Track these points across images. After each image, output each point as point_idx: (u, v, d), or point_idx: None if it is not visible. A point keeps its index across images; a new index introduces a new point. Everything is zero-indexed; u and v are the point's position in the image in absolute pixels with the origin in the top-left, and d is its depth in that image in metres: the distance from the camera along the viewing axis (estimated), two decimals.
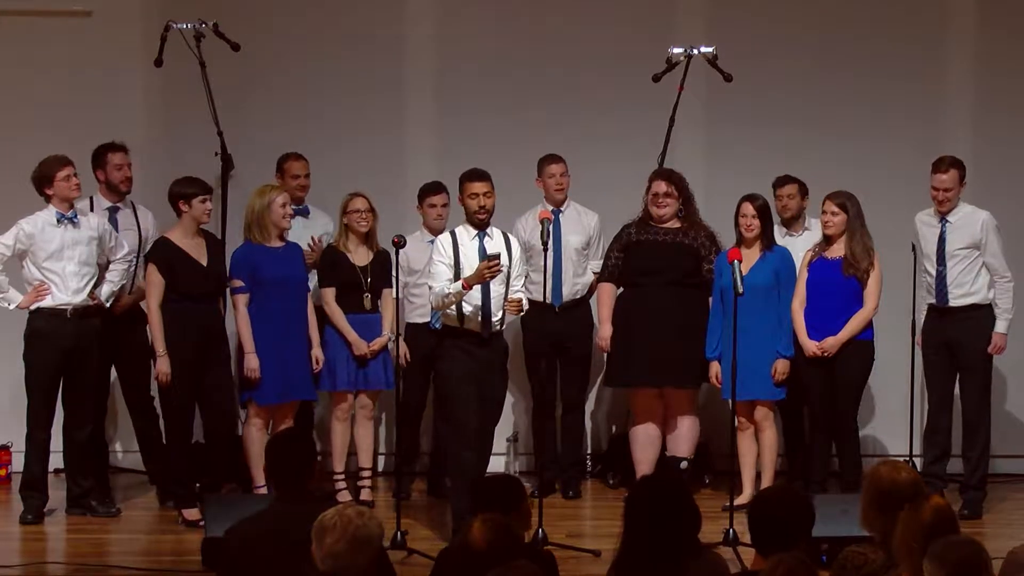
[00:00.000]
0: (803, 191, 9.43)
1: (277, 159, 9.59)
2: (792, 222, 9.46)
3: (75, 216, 8.69)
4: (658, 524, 5.18)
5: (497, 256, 8.05)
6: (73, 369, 8.69)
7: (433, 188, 9.35)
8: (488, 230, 8.29)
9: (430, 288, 8.19)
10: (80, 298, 8.68)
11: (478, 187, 8.21)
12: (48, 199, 8.67)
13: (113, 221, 9.06)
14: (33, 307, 8.65)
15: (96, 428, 9.13)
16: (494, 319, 8.23)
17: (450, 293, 8.06)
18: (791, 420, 9.44)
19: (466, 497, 7.55)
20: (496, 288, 8.17)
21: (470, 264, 8.15)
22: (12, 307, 8.69)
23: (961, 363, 9.01)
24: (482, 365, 8.22)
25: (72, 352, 8.67)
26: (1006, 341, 9.01)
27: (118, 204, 9.15)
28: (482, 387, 8.21)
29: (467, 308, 8.13)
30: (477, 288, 8.09)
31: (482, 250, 8.19)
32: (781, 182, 9.45)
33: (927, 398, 9.24)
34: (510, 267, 8.25)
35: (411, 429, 9.54)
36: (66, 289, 8.65)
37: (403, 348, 9.19)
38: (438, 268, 8.16)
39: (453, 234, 8.26)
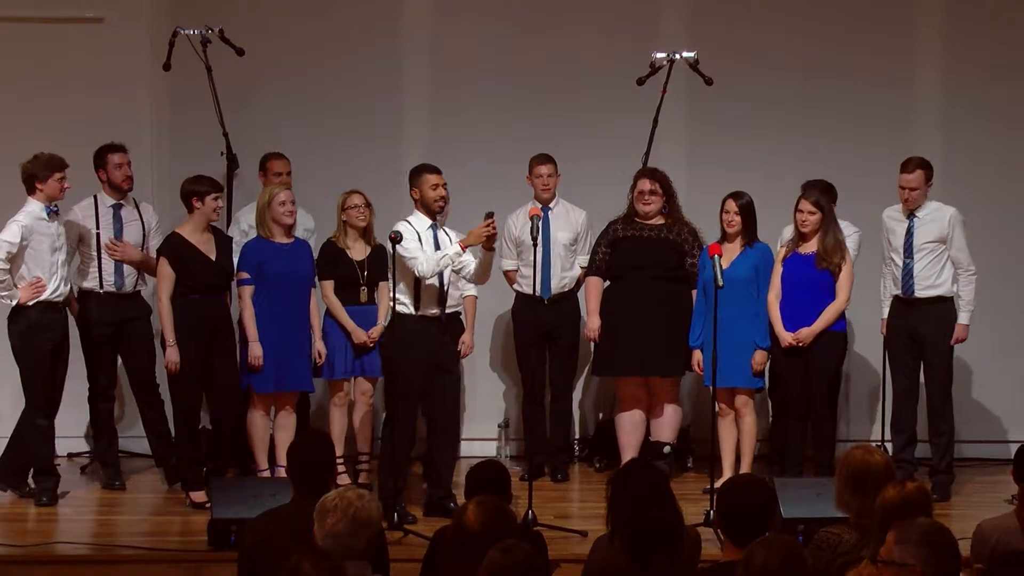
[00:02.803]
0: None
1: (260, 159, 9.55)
2: None
3: (57, 210, 8.68)
4: (650, 508, 5.21)
5: (492, 214, 8.08)
6: (60, 358, 8.70)
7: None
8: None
9: (415, 259, 8.11)
10: (67, 288, 8.71)
11: (438, 179, 8.30)
12: (33, 192, 8.64)
13: (117, 217, 9.03)
14: (31, 302, 8.60)
15: (110, 411, 9.22)
16: (451, 302, 8.34)
17: (447, 255, 8.10)
18: (780, 408, 9.40)
19: (393, 476, 8.09)
20: (447, 273, 8.25)
21: (428, 246, 8.20)
22: (14, 302, 8.62)
23: (925, 354, 9.01)
24: (442, 350, 8.29)
25: (61, 342, 8.69)
26: (967, 332, 9.00)
27: (121, 201, 9.10)
28: (441, 372, 8.27)
29: (425, 298, 8.18)
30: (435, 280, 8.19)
31: (436, 240, 8.25)
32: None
33: (892, 387, 9.21)
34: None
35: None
36: (59, 281, 8.64)
37: None
38: (414, 245, 8.17)
39: (409, 223, 8.27)
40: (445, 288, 8.32)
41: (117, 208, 9.06)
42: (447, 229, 8.46)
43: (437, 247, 8.22)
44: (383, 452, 8.40)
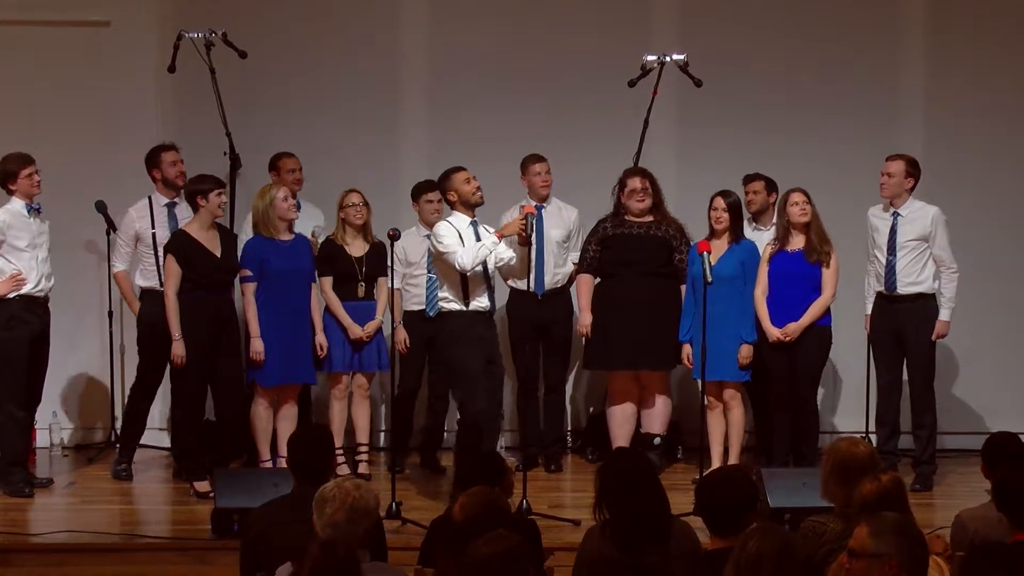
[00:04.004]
0: (770, 187, 9.42)
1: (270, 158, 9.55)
2: (760, 216, 9.46)
3: (40, 208, 8.65)
4: (636, 495, 5.20)
5: (530, 215, 8.08)
6: (39, 352, 8.68)
7: (429, 186, 9.33)
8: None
9: (454, 253, 8.05)
10: (50, 285, 8.68)
11: (467, 174, 8.25)
12: (10, 193, 8.62)
13: (172, 216, 9.04)
14: (12, 295, 8.56)
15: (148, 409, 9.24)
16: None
17: (484, 245, 8.04)
18: (760, 401, 9.39)
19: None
20: (491, 264, 8.18)
21: (469, 244, 8.12)
22: None
23: (908, 349, 9.00)
24: (492, 345, 8.20)
25: (40, 335, 8.66)
26: (948, 328, 8.99)
27: (175, 199, 9.09)
28: (492, 365, 8.18)
29: (475, 292, 8.08)
30: (480, 272, 8.10)
31: (477, 236, 8.15)
32: (750, 179, 9.48)
33: (876, 381, 9.22)
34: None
35: (407, 408, 9.51)
36: (39, 276, 8.62)
37: (403, 335, 9.21)
38: (454, 241, 8.09)
39: (450, 223, 8.21)
40: (492, 280, 8.25)
41: (171, 206, 9.07)
42: (486, 226, 8.39)
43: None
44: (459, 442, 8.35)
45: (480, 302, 8.18)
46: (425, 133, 10.26)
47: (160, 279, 8.91)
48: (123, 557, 7.58)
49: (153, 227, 9.01)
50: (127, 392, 9.55)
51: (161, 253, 8.88)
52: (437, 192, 9.24)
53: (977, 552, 4.65)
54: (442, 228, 8.17)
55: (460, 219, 8.23)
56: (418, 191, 9.38)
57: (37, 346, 8.67)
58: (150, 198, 9.09)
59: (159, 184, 9.10)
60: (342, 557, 4.64)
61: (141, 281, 9.06)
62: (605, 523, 5.38)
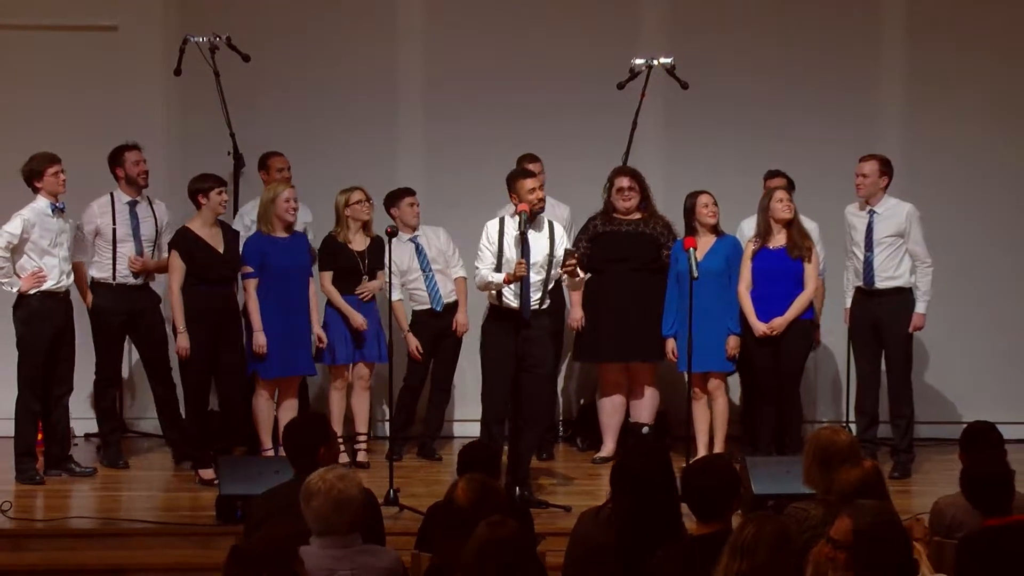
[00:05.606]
0: (790, 185, 9.30)
1: (259, 157, 9.54)
2: None
3: (64, 207, 8.64)
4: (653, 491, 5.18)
5: (573, 252, 8.02)
6: (63, 343, 8.66)
7: (408, 191, 9.38)
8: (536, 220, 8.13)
9: (477, 268, 8.09)
10: (69, 281, 8.68)
11: (534, 182, 8.11)
12: (36, 191, 8.61)
13: (133, 214, 8.99)
14: (33, 291, 8.55)
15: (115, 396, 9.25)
16: (532, 300, 7.99)
17: (492, 282, 7.99)
18: (747, 392, 9.38)
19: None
20: (534, 275, 7.99)
21: (510, 248, 8.01)
22: (15, 290, 8.57)
23: (886, 341, 9.00)
24: (524, 342, 7.96)
25: (63, 328, 8.64)
26: (925, 320, 9.00)
27: (136, 199, 9.05)
28: (525, 361, 7.98)
29: (507, 294, 8.01)
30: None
31: (524, 237, 7.94)
32: (771, 175, 9.41)
33: (856, 372, 9.22)
34: (551, 254, 8.08)
35: (412, 400, 9.53)
36: (60, 273, 8.61)
37: (414, 342, 9.31)
38: (484, 253, 8.06)
39: (501, 221, 8.12)
40: (528, 290, 7.98)
41: (132, 205, 9.02)
42: (553, 223, 8.22)
43: (524, 244, 7.94)
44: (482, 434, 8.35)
45: (512, 301, 7.98)
46: (421, 134, 10.26)
47: (114, 274, 8.90)
48: (130, 542, 7.57)
49: (114, 223, 8.96)
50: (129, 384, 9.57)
51: (121, 250, 8.87)
52: (415, 197, 9.34)
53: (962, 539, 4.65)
54: (487, 231, 8.09)
55: (511, 220, 8.05)
56: (396, 196, 9.39)
57: (62, 339, 8.66)
58: (112, 195, 9.01)
59: (122, 182, 9.01)
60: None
61: (95, 273, 8.98)
62: (601, 508, 5.36)
